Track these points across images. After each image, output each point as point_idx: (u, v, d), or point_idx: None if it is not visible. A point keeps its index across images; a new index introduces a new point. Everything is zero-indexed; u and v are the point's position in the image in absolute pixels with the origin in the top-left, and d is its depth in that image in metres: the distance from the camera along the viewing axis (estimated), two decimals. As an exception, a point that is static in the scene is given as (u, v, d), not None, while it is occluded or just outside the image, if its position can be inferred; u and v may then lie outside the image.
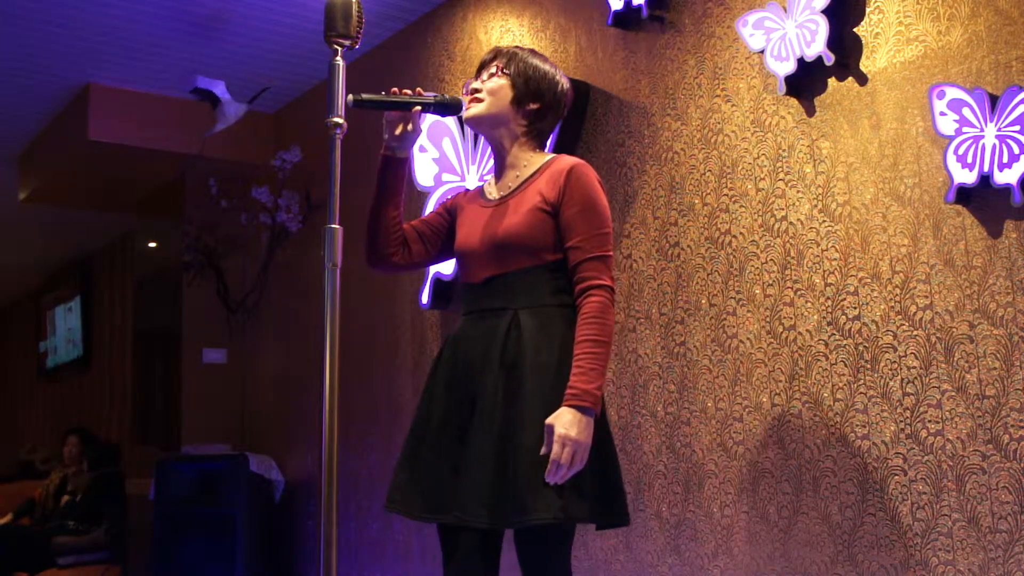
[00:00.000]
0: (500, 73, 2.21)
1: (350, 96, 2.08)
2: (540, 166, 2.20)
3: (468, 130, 3.75)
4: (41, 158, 5.70)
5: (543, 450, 1.95)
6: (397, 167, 2.23)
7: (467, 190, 2.38)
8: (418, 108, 2.17)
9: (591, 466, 1.99)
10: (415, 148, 3.91)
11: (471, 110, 2.21)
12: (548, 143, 2.30)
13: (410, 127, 2.19)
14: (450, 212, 2.33)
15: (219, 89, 4.35)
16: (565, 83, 2.27)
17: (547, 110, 2.23)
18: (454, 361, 2.15)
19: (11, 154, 5.93)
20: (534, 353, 2.04)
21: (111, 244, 7.74)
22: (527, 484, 1.94)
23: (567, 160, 2.16)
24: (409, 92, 2.15)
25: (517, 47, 2.27)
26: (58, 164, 5.51)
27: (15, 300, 10.31)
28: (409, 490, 2.11)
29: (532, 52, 2.27)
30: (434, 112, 2.22)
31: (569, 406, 1.96)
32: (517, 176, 2.22)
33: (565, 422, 1.94)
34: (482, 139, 3.69)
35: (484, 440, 2.02)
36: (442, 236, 2.33)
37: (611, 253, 2.11)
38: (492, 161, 2.30)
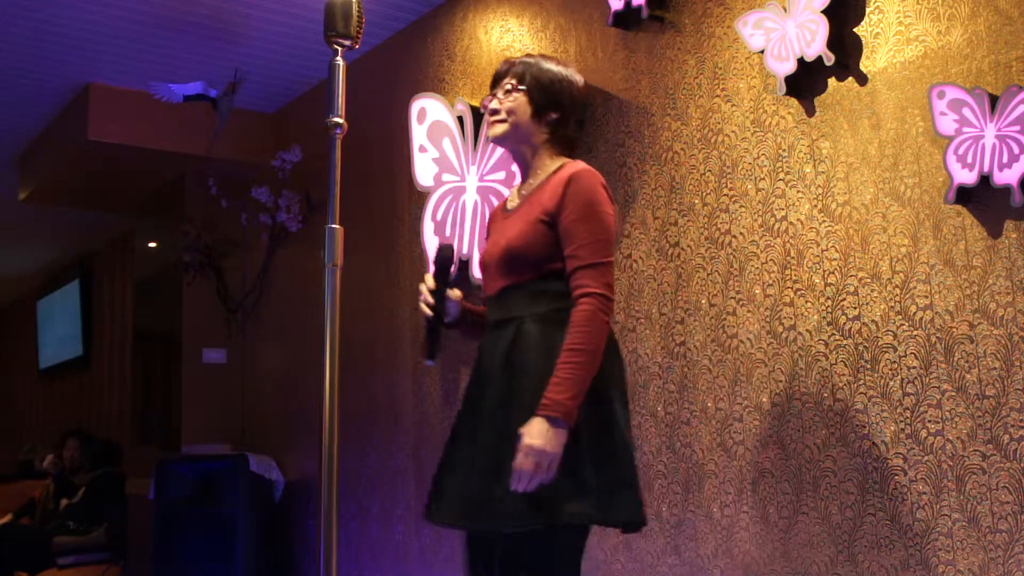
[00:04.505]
0: (515, 90, 2.23)
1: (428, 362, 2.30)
2: (549, 174, 2.21)
3: (468, 131, 3.75)
4: (41, 158, 5.69)
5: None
6: (464, 321, 2.35)
7: (502, 200, 2.42)
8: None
9: (584, 465, 2.00)
10: (415, 149, 3.92)
11: (493, 131, 2.26)
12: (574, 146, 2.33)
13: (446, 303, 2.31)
14: (489, 232, 2.39)
15: (202, 88, 4.34)
16: (579, 80, 2.29)
17: (568, 115, 2.26)
18: (472, 373, 2.24)
19: (11, 154, 5.92)
20: (534, 360, 2.07)
21: (111, 244, 7.73)
22: (503, 489, 1.98)
23: (570, 168, 2.17)
24: (429, 301, 2.24)
25: (528, 55, 2.29)
26: (58, 164, 5.50)
27: (15, 300, 10.31)
28: (435, 497, 2.18)
29: (543, 57, 2.30)
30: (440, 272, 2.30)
31: (540, 416, 1.96)
32: (530, 184, 2.26)
33: (533, 432, 1.95)
34: (482, 140, 3.69)
35: (475, 444, 2.08)
36: None
37: (609, 259, 2.10)
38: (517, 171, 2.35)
